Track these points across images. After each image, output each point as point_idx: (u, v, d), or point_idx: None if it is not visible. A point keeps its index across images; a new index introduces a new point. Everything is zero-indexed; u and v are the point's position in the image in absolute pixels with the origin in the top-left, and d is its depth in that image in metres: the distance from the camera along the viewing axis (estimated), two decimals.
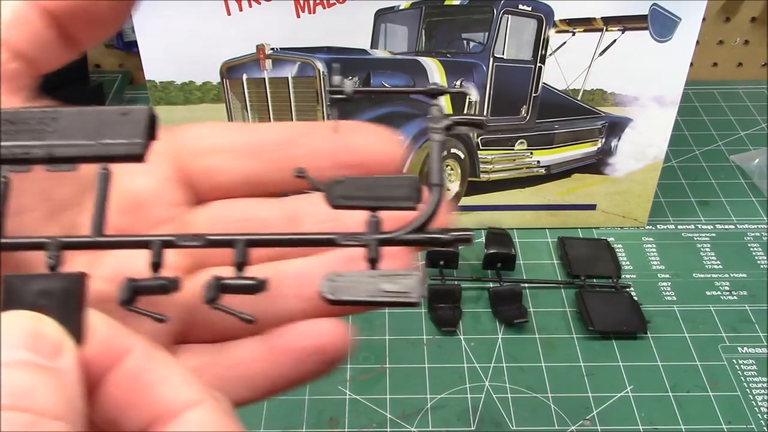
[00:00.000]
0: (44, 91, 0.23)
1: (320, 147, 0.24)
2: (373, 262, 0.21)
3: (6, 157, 0.21)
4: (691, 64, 0.54)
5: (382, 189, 0.21)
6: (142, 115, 0.21)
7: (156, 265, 0.21)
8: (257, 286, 0.21)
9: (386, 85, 0.55)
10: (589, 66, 0.54)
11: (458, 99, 0.56)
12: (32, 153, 0.21)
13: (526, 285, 0.57)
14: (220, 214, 0.24)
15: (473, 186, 0.60)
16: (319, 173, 0.21)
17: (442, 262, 0.57)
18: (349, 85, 0.22)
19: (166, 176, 0.24)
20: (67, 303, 0.19)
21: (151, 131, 0.21)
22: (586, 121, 0.57)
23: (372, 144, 0.24)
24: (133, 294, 0.20)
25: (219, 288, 0.21)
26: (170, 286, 0.21)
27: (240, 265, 0.21)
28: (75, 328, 0.19)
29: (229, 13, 0.51)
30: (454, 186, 0.60)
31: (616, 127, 0.57)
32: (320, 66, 0.53)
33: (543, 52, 0.53)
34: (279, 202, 0.24)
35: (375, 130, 0.25)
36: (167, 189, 0.24)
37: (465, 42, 0.54)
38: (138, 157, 0.21)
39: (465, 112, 0.56)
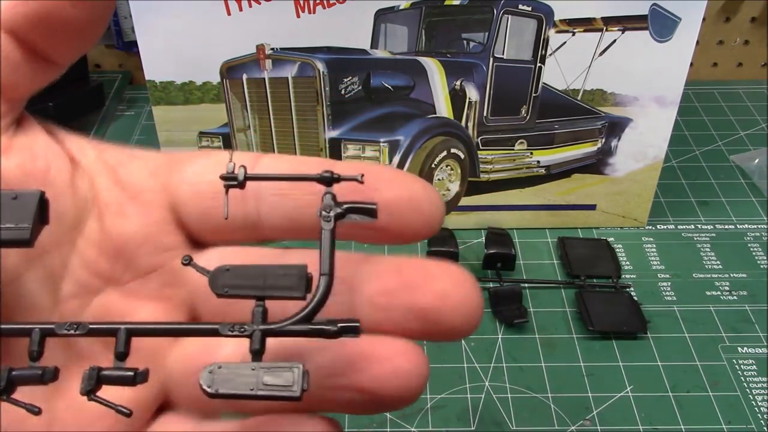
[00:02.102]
0: (45, 91, 0.23)
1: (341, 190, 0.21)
2: (257, 353, 0.20)
3: None
4: (691, 64, 0.54)
5: (269, 278, 0.20)
6: (32, 199, 0.20)
7: (35, 354, 0.20)
8: (134, 378, 0.20)
9: (387, 85, 0.55)
10: (589, 66, 0.54)
11: (458, 99, 0.56)
12: None
13: (526, 285, 0.57)
14: (214, 264, 0.23)
15: (473, 186, 0.60)
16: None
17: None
18: (241, 173, 0.21)
19: (158, 218, 0.22)
20: None
21: (41, 215, 0.20)
22: (586, 121, 0.57)
23: (397, 193, 0.21)
24: (9, 384, 0.19)
25: (97, 379, 0.20)
26: (45, 376, 0.20)
27: (121, 356, 0.20)
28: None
29: (229, 13, 0.51)
30: (454, 186, 0.60)
31: (616, 127, 0.57)
32: (320, 66, 0.54)
33: (543, 52, 0.53)
34: (282, 254, 0.23)
35: (405, 178, 0.22)
36: (159, 232, 0.22)
37: (465, 42, 0.54)
38: (26, 242, 0.20)
39: (465, 112, 0.56)
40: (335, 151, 0.57)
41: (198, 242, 0.23)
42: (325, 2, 0.51)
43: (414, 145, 0.57)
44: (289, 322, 0.20)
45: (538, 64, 0.54)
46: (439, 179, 0.59)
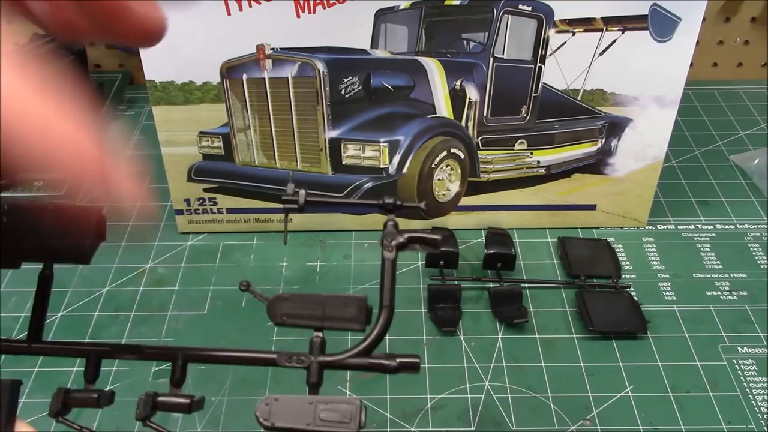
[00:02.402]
0: None
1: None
2: (314, 386, 0.20)
3: None
4: (691, 64, 0.54)
5: (328, 307, 0.20)
6: None
7: (90, 377, 0.20)
8: (190, 406, 0.19)
9: (387, 85, 0.55)
10: (589, 66, 0.54)
11: (458, 99, 0.56)
12: None
13: (526, 285, 0.57)
14: None
15: (473, 186, 0.60)
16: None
17: (442, 262, 0.57)
18: (302, 195, 0.20)
19: None
20: None
21: None
22: (586, 121, 0.57)
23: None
24: (63, 407, 0.20)
25: (153, 405, 0.20)
26: (101, 401, 0.20)
27: (177, 382, 0.20)
28: None
29: (229, 13, 0.51)
30: (454, 186, 0.60)
31: (616, 127, 0.57)
32: (320, 66, 0.53)
33: (543, 52, 0.53)
34: None
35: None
36: None
37: (465, 42, 0.54)
38: None
39: (465, 112, 0.56)
40: (335, 151, 0.57)
41: None
42: (325, 2, 0.51)
43: (414, 145, 0.57)
44: (348, 355, 0.20)
45: (538, 64, 0.54)
46: (439, 179, 0.59)
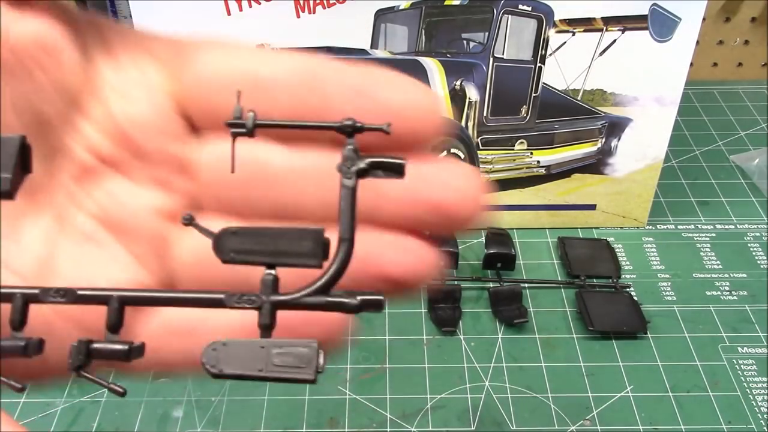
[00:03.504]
0: None
1: (342, 93, 0.20)
2: (266, 328, 0.18)
3: None
4: (691, 64, 0.54)
5: (282, 242, 0.18)
6: (12, 145, 0.18)
7: (17, 323, 0.18)
8: (129, 352, 0.18)
9: None
10: (589, 66, 0.54)
11: (458, 99, 0.56)
12: None
13: (526, 285, 0.57)
14: (226, 154, 0.21)
15: None
16: (335, 118, 0.18)
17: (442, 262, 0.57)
18: (251, 118, 0.18)
19: (164, 105, 0.21)
20: None
21: (23, 163, 0.18)
22: (586, 121, 0.57)
23: (403, 97, 0.20)
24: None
25: (86, 353, 0.18)
26: (29, 349, 0.17)
27: (113, 328, 0.18)
28: None
29: (229, 13, 0.51)
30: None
31: (616, 127, 0.57)
32: None
33: (543, 52, 0.53)
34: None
35: (408, 83, 0.20)
36: (166, 119, 0.21)
37: (465, 42, 0.54)
38: (6, 195, 0.18)
39: (465, 112, 0.56)
40: None
41: (200, 127, 0.22)
42: (325, 2, 0.51)
43: None
44: (303, 294, 0.18)
45: (538, 64, 0.54)
46: None
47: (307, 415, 0.48)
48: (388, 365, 0.51)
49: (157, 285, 0.21)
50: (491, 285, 0.56)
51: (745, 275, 0.58)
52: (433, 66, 0.54)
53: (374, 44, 0.53)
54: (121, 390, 0.18)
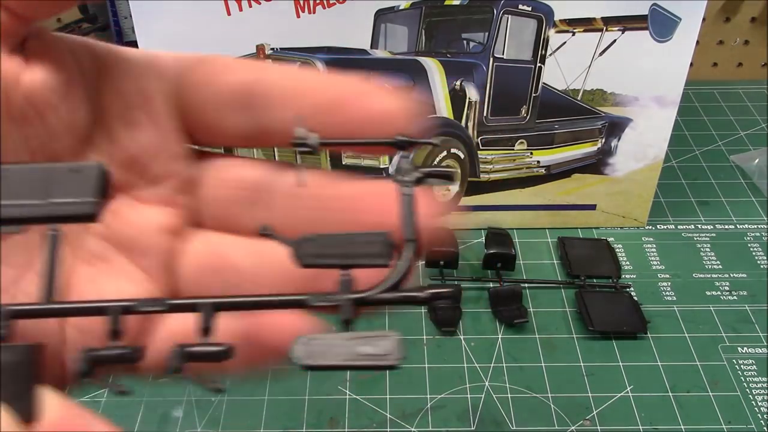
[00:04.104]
0: None
1: (324, 103, 0.21)
2: (347, 323, 0.20)
3: None
4: (691, 64, 0.54)
5: (354, 246, 0.20)
6: (94, 173, 0.20)
7: (116, 333, 0.19)
8: (224, 353, 0.19)
9: (386, 85, 0.55)
10: (589, 66, 0.54)
11: (458, 99, 0.56)
12: None
13: (526, 285, 0.57)
14: (228, 175, 0.22)
15: (473, 186, 0.60)
16: (318, 128, 0.20)
17: (442, 263, 0.57)
18: (315, 137, 0.21)
19: (169, 126, 0.22)
20: (17, 377, 0.18)
21: (103, 189, 0.20)
22: (586, 121, 0.57)
23: (380, 107, 0.22)
24: (92, 365, 0.19)
25: (184, 357, 0.19)
26: (133, 355, 0.19)
27: (206, 331, 0.19)
28: (26, 405, 0.18)
29: (229, 13, 0.51)
30: (454, 186, 0.60)
31: (616, 127, 0.57)
32: (320, 66, 0.53)
33: (543, 52, 0.53)
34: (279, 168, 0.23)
35: (389, 93, 0.22)
36: (171, 140, 0.22)
37: (465, 42, 0.54)
38: (90, 217, 0.19)
39: (465, 112, 0.56)
40: (335, 151, 0.57)
41: (199, 144, 0.23)
42: (325, 2, 0.51)
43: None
44: (378, 291, 0.20)
45: (538, 64, 0.54)
46: None
47: (307, 415, 0.48)
48: None
49: (166, 296, 0.22)
50: (491, 285, 0.56)
51: (745, 275, 0.58)
52: (433, 66, 0.54)
53: (374, 44, 0.53)
54: (220, 387, 0.20)
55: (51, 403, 0.18)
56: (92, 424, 0.19)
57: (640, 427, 0.47)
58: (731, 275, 0.58)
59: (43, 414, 0.18)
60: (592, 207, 0.62)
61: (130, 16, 0.54)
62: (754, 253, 0.60)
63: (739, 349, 0.53)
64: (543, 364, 0.51)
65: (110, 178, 0.20)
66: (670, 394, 0.49)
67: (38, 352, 0.19)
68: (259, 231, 0.20)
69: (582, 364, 0.51)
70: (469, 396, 0.49)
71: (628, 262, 0.60)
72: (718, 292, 0.57)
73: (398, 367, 0.19)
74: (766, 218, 0.64)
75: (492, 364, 0.51)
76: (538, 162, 0.59)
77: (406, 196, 0.20)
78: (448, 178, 0.21)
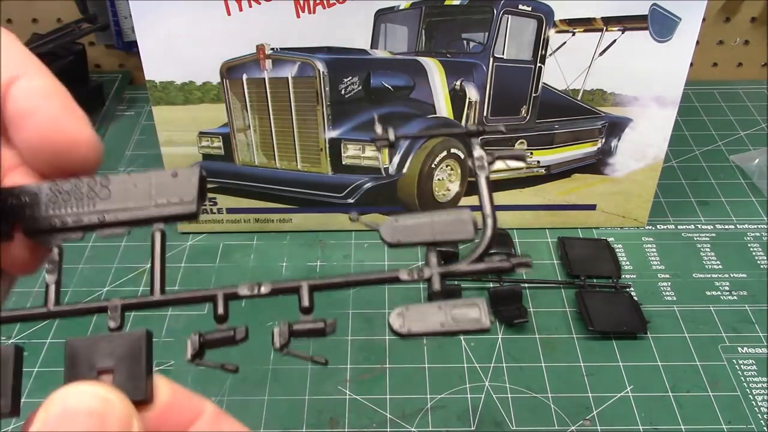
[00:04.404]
0: None
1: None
2: (437, 295, 0.21)
3: (58, 225, 0.22)
4: (691, 64, 0.54)
5: (437, 224, 0.22)
6: (193, 176, 0.22)
7: (221, 318, 0.21)
8: (324, 330, 0.21)
9: (387, 85, 0.55)
10: (589, 66, 0.54)
11: (458, 99, 0.56)
12: (84, 220, 0.22)
13: (526, 285, 0.57)
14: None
15: (473, 186, 0.60)
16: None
17: (442, 261, 0.57)
18: (392, 132, 0.23)
19: None
20: (132, 362, 0.20)
21: (202, 190, 0.22)
22: (586, 121, 0.57)
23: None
24: (201, 348, 0.21)
25: (290, 334, 0.21)
26: (237, 336, 0.21)
27: (306, 311, 0.21)
28: (141, 387, 0.19)
29: (229, 13, 0.51)
30: (454, 186, 0.60)
31: (616, 127, 0.57)
32: (320, 66, 0.53)
33: (543, 52, 0.53)
34: None
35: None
36: None
37: (465, 42, 0.54)
38: (192, 216, 0.21)
39: (465, 112, 0.56)
40: (335, 151, 0.57)
41: None
42: (325, 2, 0.51)
43: (414, 145, 0.57)
44: (465, 263, 0.22)
45: (538, 64, 0.54)
46: (439, 179, 0.59)
47: (307, 415, 0.48)
48: (388, 365, 0.51)
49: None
50: (491, 285, 0.56)
51: (745, 275, 0.58)
52: (433, 66, 0.54)
53: (374, 44, 0.53)
54: (323, 361, 0.23)
55: (162, 386, 0.20)
56: (200, 405, 0.20)
57: (640, 427, 0.47)
58: (731, 275, 0.58)
59: (156, 396, 0.20)
60: (592, 207, 0.62)
61: (130, 16, 0.54)
62: (754, 253, 0.60)
63: (739, 349, 0.53)
64: (543, 364, 0.51)
65: (206, 182, 0.22)
66: (670, 394, 0.49)
67: (149, 338, 0.20)
68: (349, 218, 0.23)
69: (582, 364, 0.51)
70: (469, 396, 0.49)
71: (628, 262, 0.59)
72: (718, 292, 0.57)
73: (489, 330, 0.21)
74: (766, 218, 0.64)
75: (492, 364, 0.51)
76: (538, 162, 0.59)
77: (482, 177, 0.23)
78: (520, 158, 0.24)
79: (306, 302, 0.21)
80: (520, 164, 0.24)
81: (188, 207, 0.21)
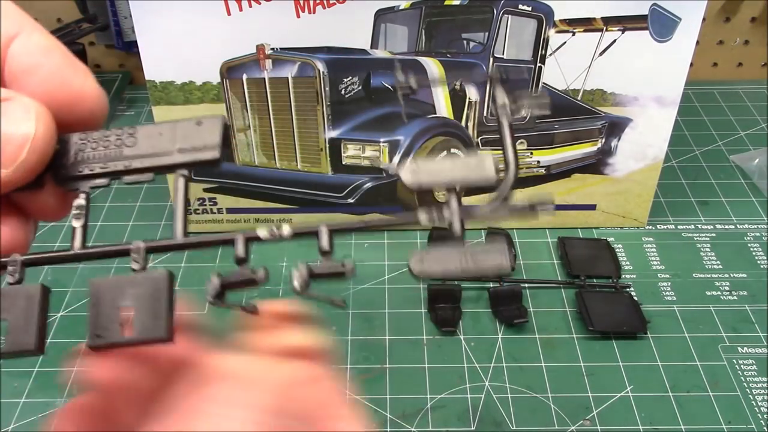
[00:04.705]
0: None
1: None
2: (459, 238, 0.21)
3: (86, 172, 0.22)
4: (691, 64, 0.54)
5: (458, 168, 0.22)
6: (216, 123, 0.22)
7: (241, 260, 0.22)
8: (343, 272, 0.21)
9: (386, 85, 0.55)
10: (589, 66, 0.54)
11: (458, 99, 0.56)
12: (111, 167, 0.22)
13: (526, 285, 0.57)
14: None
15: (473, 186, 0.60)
16: None
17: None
18: (414, 81, 0.24)
19: None
20: (154, 302, 0.20)
21: (225, 139, 0.22)
22: (586, 121, 0.57)
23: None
24: (221, 288, 0.21)
25: (309, 275, 0.21)
26: (257, 277, 0.21)
27: (325, 253, 0.22)
28: (162, 326, 0.20)
29: (229, 13, 0.51)
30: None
31: (616, 127, 0.57)
32: (320, 66, 0.53)
33: (543, 52, 0.53)
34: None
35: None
36: None
37: (465, 42, 0.54)
38: (215, 162, 0.22)
39: (465, 112, 0.56)
40: (335, 151, 0.57)
41: None
42: (325, 2, 0.51)
43: (414, 145, 0.57)
44: (487, 205, 0.22)
45: (538, 64, 0.54)
46: None
47: None
48: (388, 365, 0.51)
49: None
50: (491, 285, 0.56)
51: (745, 275, 0.58)
52: (433, 66, 0.54)
53: (374, 44, 0.53)
54: (341, 302, 0.23)
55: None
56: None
57: (640, 427, 0.47)
58: (731, 275, 0.58)
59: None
60: (592, 207, 0.62)
61: (130, 16, 0.54)
62: (754, 253, 0.60)
63: (739, 349, 0.53)
64: (543, 364, 0.51)
65: (228, 129, 0.23)
66: (670, 394, 0.49)
67: (171, 279, 0.21)
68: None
69: (582, 364, 0.51)
70: (469, 396, 0.49)
71: (628, 262, 0.59)
72: (718, 292, 0.57)
73: (511, 271, 0.20)
74: (766, 218, 0.64)
75: (492, 364, 0.51)
76: (538, 162, 0.59)
77: (505, 124, 0.23)
78: (543, 106, 0.24)
79: (326, 244, 0.22)
80: (545, 112, 0.24)
81: (212, 153, 0.22)
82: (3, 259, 0.22)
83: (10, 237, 0.23)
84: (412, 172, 0.21)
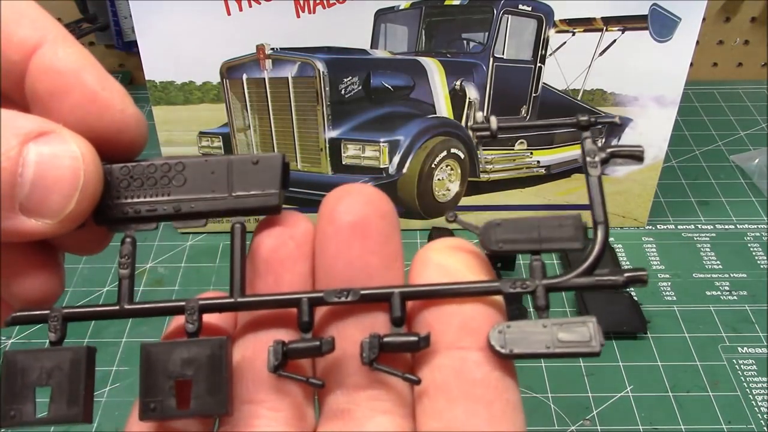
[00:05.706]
0: None
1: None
2: (542, 309, 0.19)
3: (132, 215, 0.20)
4: (691, 64, 0.54)
5: (544, 230, 0.20)
6: (275, 163, 0.20)
7: (306, 325, 0.19)
8: (419, 343, 0.19)
9: (387, 85, 0.55)
10: (589, 66, 0.54)
11: (458, 99, 0.56)
12: (159, 210, 0.20)
13: None
14: None
15: (473, 186, 0.60)
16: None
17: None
18: (494, 122, 0.21)
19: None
20: (211, 372, 0.18)
21: (284, 179, 0.20)
22: None
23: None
24: (284, 358, 0.19)
25: (379, 347, 0.19)
26: (323, 347, 0.19)
27: (397, 321, 0.19)
28: (223, 401, 0.18)
29: (229, 13, 0.51)
30: (454, 186, 0.60)
31: (616, 127, 0.57)
32: (320, 66, 0.53)
33: (543, 52, 0.53)
34: None
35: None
36: None
37: (465, 42, 0.54)
38: (274, 209, 0.20)
39: (465, 112, 0.56)
40: (335, 151, 0.57)
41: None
42: (325, 2, 0.51)
43: (414, 145, 0.57)
44: (572, 276, 0.20)
45: (538, 64, 0.54)
46: (439, 179, 0.59)
47: None
48: None
49: None
50: None
51: (745, 275, 0.58)
52: (433, 66, 0.54)
53: (374, 44, 0.53)
54: (415, 379, 0.19)
55: None
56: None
57: (640, 427, 0.47)
58: (731, 275, 0.58)
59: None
60: None
61: (130, 16, 0.54)
62: (754, 253, 0.60)
63: (739, 349, 0.53)
64: (543, 364, 0.51)
65: (289, 168, 0.20)
66: (670, 394, 0.49)
67: (227, 344, 0.19)
68: (446, 219, 0.21)
69: (582, 364, 0.51)
70: None
71: (628, 262, 0.59)
72: (718, 292, 0.57)
73: (600, 354, 0.18)
74: (766, 218, 0.64)
75: None
76: (538, 162, 0.59)
77: (593, 177, 0.20)
78: (637, 158, 0.20)
79: (398, 312, 0.19)
80: (639, 164, 0.21)
81: (270, 200, 0.19)
82: (42, 312, 0.20)
83: (47, 287, 0.20)
84: (493, 234, 0.20)
